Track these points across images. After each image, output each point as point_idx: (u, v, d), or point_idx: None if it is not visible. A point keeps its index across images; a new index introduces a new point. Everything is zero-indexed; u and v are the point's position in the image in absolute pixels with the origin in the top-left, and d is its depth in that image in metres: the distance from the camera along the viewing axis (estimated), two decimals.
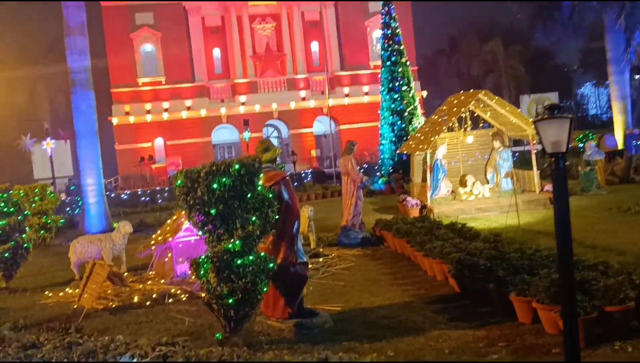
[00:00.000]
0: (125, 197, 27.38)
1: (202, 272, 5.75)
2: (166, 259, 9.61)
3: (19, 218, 10.24)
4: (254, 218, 5.64)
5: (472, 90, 15.75)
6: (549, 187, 14.80)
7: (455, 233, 9.73)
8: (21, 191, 10.36)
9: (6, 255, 9.97)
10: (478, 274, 6.84)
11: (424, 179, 15.56)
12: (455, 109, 14.79)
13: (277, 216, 5.96)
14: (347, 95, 44.74)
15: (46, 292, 9.94)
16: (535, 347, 5.51)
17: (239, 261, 5.60)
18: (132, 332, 7.06)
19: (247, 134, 29.26)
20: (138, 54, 41.32)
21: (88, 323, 7.60)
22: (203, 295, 5.84)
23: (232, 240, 5.60)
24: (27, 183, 21.07)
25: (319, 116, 45.02)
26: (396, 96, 19.99)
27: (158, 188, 29.99)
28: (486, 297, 6.79)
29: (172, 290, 8.73)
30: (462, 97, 15.23)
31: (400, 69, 20.17)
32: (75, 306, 8.44)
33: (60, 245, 16.45)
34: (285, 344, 5.97)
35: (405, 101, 19.97)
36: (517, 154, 18.93)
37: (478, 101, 14.73)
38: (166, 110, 41.25)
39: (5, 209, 10.12)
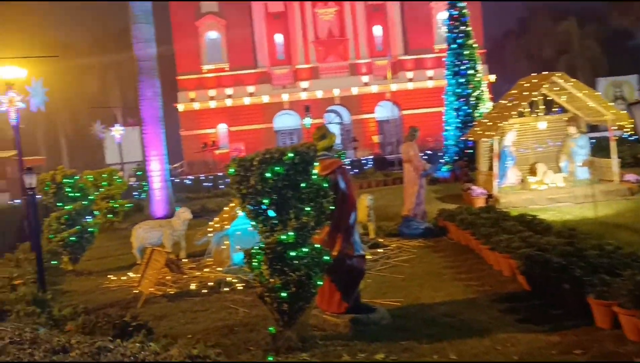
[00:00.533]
0: (189, 182, 27.95)
1: (255, 263, 5.56)
2: (223, 247, 9.57)
3: (85, 202, 10.50)
4: (308, 209, 5.37)
5: (543, 73, 14.78)
6: (630, 176, 13.70)
7: (524, 225, 9.09)
8: (89, 176, 10.62)
9: (72, 239, 10.26)
10: (551, 272, 6.29)
11: (491, 167, 14.81)
12: (526, 92, 13.92)
13: (332, 207, 5.67)
14: (410, 80, 43.73)
15: (109, 276, 10.18)
16: (616, 355, 4.98)
17: (292, 253, 5.36)
18: (187, 320, 7.03)
19: (308, 120, 29.14)
20: (203, 41, 42.07)
21: (146, 309, 7.66)
22: (257, 288, 5.65)
23: (285, 231, 5.37)
24: (100, 168, 21.90)
25: (381, 101, 44.34)
26: (462, 80, 19.11)
27: (220, 174, 30.42)
28: (559, 298, 6.24)
29: (228, 279, 8.67)
30: (535, 80, 14.30)
31: (466, 52, 19.25)
32: (135, 291, 8.56)
33: (126, 229, 16.90)
34: (340, 340, 5.72)
35: (471, 85, 19.08)
36: (593, 141, 17.68)
37: (552, 84, 13.80)
38: (229, 96, 41.87)
39: (71, 194, 10.40)
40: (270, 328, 5.88)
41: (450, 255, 9.52)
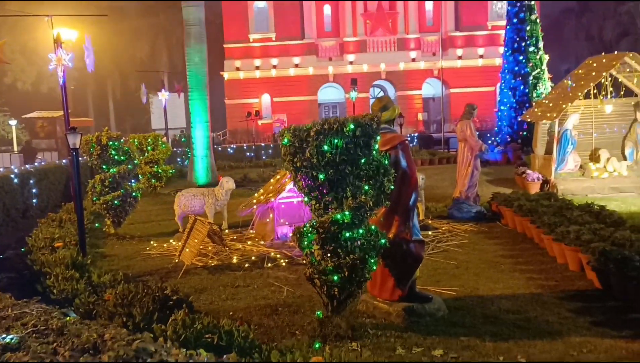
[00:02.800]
0: (231, 151, 27.83)
1: (305, 243, 5.14)
2: (267, 220, 9.22)
3: (129, 166, 10.30)
4: (367, 187, 4.89)
5: (613, 53, 13.72)
6: None
7: (592, 216, 8.38)
8: (135, 140, 10.43)
9: (116, 202, 10.10)
10: (630, 271, 5.65)
11: (548, 151, 13.96)
12: (594, 73, 12.95)
13: (392, 186, 5.17)
14: (460, 57, 42.28)
15: (151, 242, 10.02)
16: None
17: (347, 234, 4.91)
18: (228, 295, 6.72)
19: (354, 94, 28.40)
20: (251, 10, 41.57)
21: (186, 280, 7.39)
22: (306, 269, 5.23)
23: (341, 210, 4.91)
24: (145, 132, 21.94)
25: (428, 78, 43.16)
26: (521, 57, 18.03)
27: (263, 144, 30.22)
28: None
29: (272, 254, 8.32)
30: (604, 60, 13.27)
31: (528, 27, 18.11)
32: (175, 260, 8.32)
33: (168, 194, 16.88)
34: (392, 331, 5.28)
35: (531, 64, 17.98)
36: None
37: (623, 65, 12.78)
38: (275, 67, 41.44)
39: (116, 158, 10.21)
40: (317, 313, 5.49)
41: (507, 243, 8.92)
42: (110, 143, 10.12)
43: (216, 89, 35.77)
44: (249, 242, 9.06)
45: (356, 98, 28.44)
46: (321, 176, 4.89)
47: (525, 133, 17.47)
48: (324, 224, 4.91)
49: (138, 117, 44.39)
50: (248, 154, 27.90)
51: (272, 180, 9.93)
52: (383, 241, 5.14)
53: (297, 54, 41.82)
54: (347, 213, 4.87)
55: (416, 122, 41.53)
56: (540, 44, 18.49)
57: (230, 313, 6.00)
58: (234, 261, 8.12)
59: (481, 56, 42.30)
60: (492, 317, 5.61)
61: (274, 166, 22.46)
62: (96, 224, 11.27)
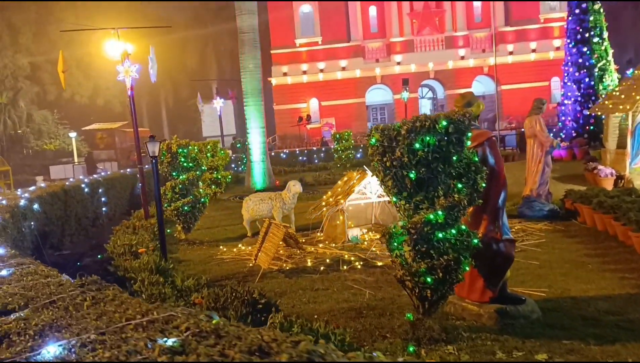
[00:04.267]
0: (284, 156, 28.04)
1: (395, 244, 5.04)
2: (338, 222, 9.18)
3: (197, 173, 10.48)
4: (460, 185, 4.75)
5: None
6: None
7: None
8: (195, 147, 10.63)
9: (186, 208, 10.29)
10: None
11: (620, 146, 13.38)
12: None
13: (484, 184, 5.01)
14: (510, 53, 41.27)
15: (220, 246, 10.14)
16: None
17: (440, 235, 4.79)
18: (309, 298, 6.69)
19: (405, 94, 28.13)
20: (297, 15, 41.84)
21: (264, 284, 7.42)
22: (396, 271, 5.13)
23: (433, 210, 4.79)
24: (196, 140, 22.40)
25: (478, 75, 42.32)
26: (585, 48, 17.34)
27: (315, 148, 30.32)
28: None
29: (346, 256, 8.26)
30: None
31: (591, 18, 17.40)
32: (250, 264, 8.38)
33: (228, 199, 17.14)
34: (486, 334, 5.11)
35: (596, 55, 17.26)
36: None
37: None
38: (322, 71, 41.55)
39: (185, 164, 10.40)
40: (408, 315, 5.38)
41: (588, 242, 8.55)
42: (180, 150, 10.32)
43: (264, 95, 36.22)
44: (320, 245, 9.04)
45: (408, 98, 28.06)
46: (412, 175, 4.79)
47: (592, 128, 16.77)
48: (416, 224, 4.81)
49: (190, 125, 45.39)
50: (300, 158, 28.05)
51: (339, 182, 9.89)
52: (475, 241, 4.99)
53: (344, 57, 41.80)
54: (440, 212, 4.75)
55: None
56: (605, 35, 17.72)
57: (315, 316, 5.96)
58: (309, 264, 8.11)
59: (533, 50, 41.22)
60: (591, 319, 5.36)
61: (329, 169, 22.45)
62: (167, 231, 11.51)
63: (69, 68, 32.83)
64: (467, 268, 5.04)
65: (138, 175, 17.36)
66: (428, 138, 4.61)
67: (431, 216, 4.75)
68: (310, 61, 41.72)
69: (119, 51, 12.78)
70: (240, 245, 10.00)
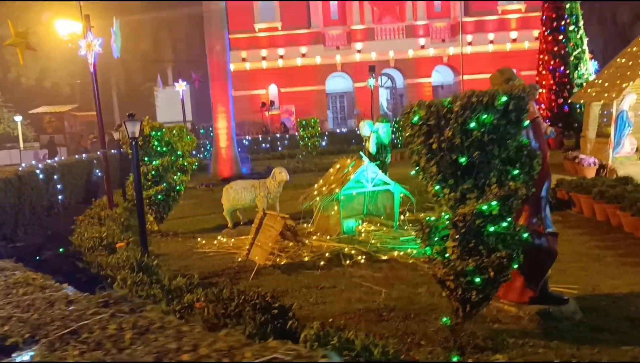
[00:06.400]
0: (246, 143, 27.03)
1: (434, 239, 4.40)
2: (332, 213, 8.47)
3: (172, 158, 9.52)
4: (516, 171, 4.14)
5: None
6: None
7: None
8: (174, 131, 9.66)
9: (159, 197, 9.34)
10: None
11: (600, 135, 13.27)
12: None
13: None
14: (470, 43, 41.49)
15: (198, 239, 9.28)
16: None
17: (491, 229, 4.18)
18: (316, 299, 5.98)
19: (372, 81, 27.57)
20: None
21: (259, 282, 6.66)
22: (435, 269, 4.48)
23: (484, 200, 4.16)
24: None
25: (438, 65, 42.41)
26: (561, 37, 17.19)
27: (278, 135, 29.45)
28: None
29: (346, 250, 7.57)
30: None
31: (567, 5, 17.24)
32: (239, 259, 7.58)
33: (195, 188, 16.15)
34: (534, 340, 4.56)
35: (571, 44, 17.15)
36: None
37: None
38: (281, 57, 40.54)
39: (159, 149, 9.42)
40: (443, 320, 4.78)
41: (592, 233, 8.22)
42: (153, 133, 9.32)
43: None
44: (314, 237, 8.30)
45: (374, 85, 27.54)
46: (462, 160, 4.14)
47: (567, 117, 16.69)
48: (465, 217, 4.17)
49: (143, 111, 43.41)
50: (264, 145, 27.13)
51: (331, 170, 9.16)
52: (525, 235, 4.40)
53: (304, 43, 40.91)
54: (494, 202, 4.12)
55: None
56: (581, 23, 17.60)
57: (330, 320, 5.26)
58: (306, 259, 7.37)
59: (492, 42, 41.61)
60: (639, 320, 4.90)
61: (298, 157, 21.73)
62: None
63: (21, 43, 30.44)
64: (517, 266, 4.46)
65: (95, 161, 16.12)
66: (485, 116, 3.96)
67: (484, 207, 4.12)
68: (269, 47, 40.61)
69: (78, 26, 11.55)
70: (220, 237, 9.16)
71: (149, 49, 40.45)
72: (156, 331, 1.77)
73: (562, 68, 17.26)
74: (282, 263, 7.30)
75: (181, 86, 26.36)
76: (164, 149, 9.46)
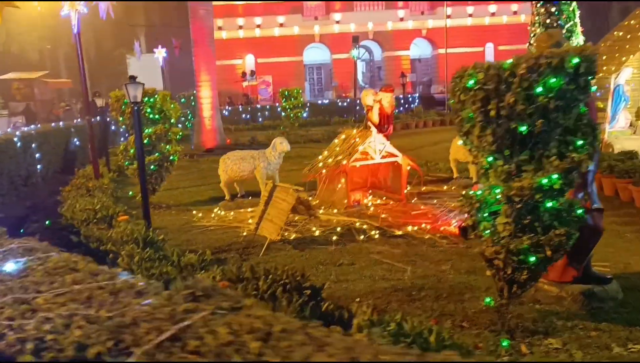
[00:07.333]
0: (226, 114, 26.29)
1: (484, 215, 4.07)
2: (339, 185, 8.08)
3: (166, 126, 8.93)
4: (580, 142, 3.81)
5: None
6: None
7: None
8: (168, 97, 9.02)
9: (152, 167, 8.78)
10: None
11: None
12: None
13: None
14: (449, 16, 41.15)
15: (193, 211, 8.82)
16: None
17: (548, 204, 3.86)
18: (336, 276, 5.63)
19: (355, 52, 27.04)
20: None
21: (271, 258, 6.27)
22: (484, 247, 4.15)
23: (543, 173, 3.83)
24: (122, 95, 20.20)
25: (416, 38, 42.09)
26: (553, 9, 16.89)
27: (259, 106, 28.75)
28: None
29: (357, 224, 7.22)
30: None
31: None
32: (244, 233, 7.15)
33: (180, 158, 15.52)
34: (584, 322, 4.31)
35: (564, 16, 16.88)
36: None
37: None
38: (258, 26, 39.52)
39: (151, 116, 8.82)
40: (487, 300, 4.49)
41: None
42: (146, 99, 8.70)
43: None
44: (321, 211, 7.91)
45: (357, 57, 26.99)
46: (522, 128, 3.78)
47: None
48: (523, 191, 3.83)
49: (114, 79, 41.90)
50: (244, 116, 26.44)
51: (336, 141, 8.74)
52: (580, 211, 4.10)
53: (282, 12, 39.93)
54: (554, 176, 3.79)
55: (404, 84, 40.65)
56: None
57: (357, 299, 4.93)
58: (317, 233, 6.99)
59: (470, 15, 41.49)
60: None
61: (275, 127, 21.21)
62: (130, 193, 9.96)
63: None
64: (571, 244, 4.17)
65: (72, 130, 15.31)
66: (553, 80, 3.59)
67: (544, 181, 3.79)
68: (246, 16, 39.51)
69: None
70: (216, 210, 8.71)
71: (119, 11, 38.78)
72: (281, 337, 1.35)
73: None
74: (292, 237, 6.91)
75: (161, 53, 25.28)
76: (157, 116, 8.87)
